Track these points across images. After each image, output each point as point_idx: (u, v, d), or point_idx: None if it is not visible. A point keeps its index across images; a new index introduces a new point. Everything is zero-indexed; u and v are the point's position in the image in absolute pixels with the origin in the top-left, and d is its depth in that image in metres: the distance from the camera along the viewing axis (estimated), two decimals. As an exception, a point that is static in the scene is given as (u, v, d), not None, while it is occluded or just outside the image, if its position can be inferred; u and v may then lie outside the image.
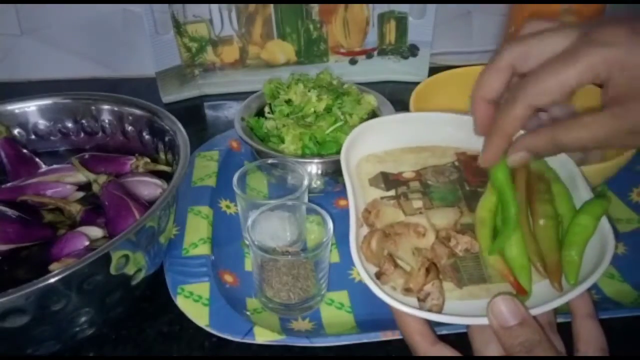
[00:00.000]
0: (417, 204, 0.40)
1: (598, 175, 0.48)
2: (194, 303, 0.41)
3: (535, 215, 0.38)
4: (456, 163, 0.44)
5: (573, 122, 0.32)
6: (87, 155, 0.50)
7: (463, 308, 0.35)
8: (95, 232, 0.42)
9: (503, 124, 0.34)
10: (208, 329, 0.39)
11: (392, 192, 0.42)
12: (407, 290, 0.35)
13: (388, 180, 0.43)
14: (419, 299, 0.35)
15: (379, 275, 0.36)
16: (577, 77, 0.31)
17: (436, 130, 0.45)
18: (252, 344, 0.38)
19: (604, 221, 0.37)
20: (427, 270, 0.35)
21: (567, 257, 0.36)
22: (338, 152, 0.52)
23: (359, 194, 0.41)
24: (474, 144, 0.42)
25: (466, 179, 0.42)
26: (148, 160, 0.50)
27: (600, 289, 0.44)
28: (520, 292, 0.35)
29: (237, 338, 0.38)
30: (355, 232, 0.37)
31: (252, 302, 0.43)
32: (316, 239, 0.46)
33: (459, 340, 0.39)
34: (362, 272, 0.34)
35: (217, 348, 0.39)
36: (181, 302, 0.41)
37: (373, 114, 0.58)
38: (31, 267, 0.40)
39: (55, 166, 0.49)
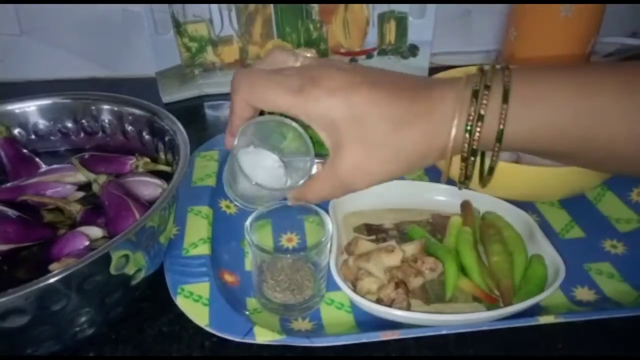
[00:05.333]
0: (392, 241, 0.45)
1: (598, 175, 0.48)
2: (194, 303, 0.41)
3: (488, 253, 0.45)
4: (430, 220, 0.50)
5: (311, 183, 0.36)
6: (87, 155, 0.50)
7: (429, 317, 0.39)
8: (95, 232, 0.41)
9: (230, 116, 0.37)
10: (208, 329, 0.39)
11: (372, 237, 0.48)
12: (378, 301, 0.40)
13: (370, 229, 0.49)
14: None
15: (354, 283, 0.42)
16: (287, 107, 0.33)
17: (415, 195, 0.52)
18: (252, 344, 0.38)
19: (557, 258, 0.42)
20: (397, 285, 0.41)
21: (526, 289, 0.41)
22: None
23: (342, 233, 0.48)
24: (448, 207, 0.50)
25: (438, 231, 0.49)
26: (148, 160, 0.50)
27: (600, 288, 0.44)
28: (491, 301, 0.41)
29: (237, 338, 0.38)
30: (335, 257, 0.42)
31: (252, 302, 0.43)
32: (315, 239, 0.46)
33: (460, 340, 0.39)
34: (340, 282, 0.40)
35: (217, 348, 0.39)
36: (181, 302, 0.41)
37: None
38: (31, 267, 0.40)
39: (55, 166, 0.49)
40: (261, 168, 0.39)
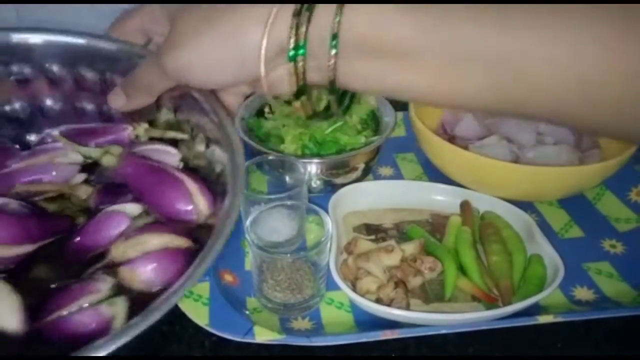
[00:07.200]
0: (392, 241, 0.45)
1: (597, 175, 0.48)
2: (194, 302, 0.41)
3: (487, 253, 0.45)
4: (430, 220, 0.51)
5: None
6: (68, 130, 0.43)
7: (429, 317, 0.40)
8: (133, 208, 0.36)
9: None
10: (208, 329, 0.39)
11: (372, 237, 0.48)
12: (378, 301, 0.40)
13: (370, 228, 0.50)
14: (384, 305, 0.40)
15: (354, 282, 0.43)
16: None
17: (415, 194, 0.52)
18: (252, 343, 0.38)
19: (556, 258, 0.42)
20: (396, 284, 0.41)
21: (525, 289, 0.42)
22: (338, 152, 0.53)
23: (342, 233, 0.48)
24: (447, 207, 0.51)
25: (437, 230, 0.49)
26: (147, 126, 0.43)
27: (599, 288, 0.44)
28: (490, 300, 0.42)
29: (237, 337, 0.38)
30: (335, 257, 0.42)
31: (252, 302, 0.43)
32: (315, 238, 0.46)
33: (459, 340, 0.39)
34: (339, 281, 0.40)
35: (217, 347, 0.39)
36: (181, 302, 0.41)
37: (373, 115, 0.59)
38: (55, 264, 0.35)
39: (41, 147, 0.41)
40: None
